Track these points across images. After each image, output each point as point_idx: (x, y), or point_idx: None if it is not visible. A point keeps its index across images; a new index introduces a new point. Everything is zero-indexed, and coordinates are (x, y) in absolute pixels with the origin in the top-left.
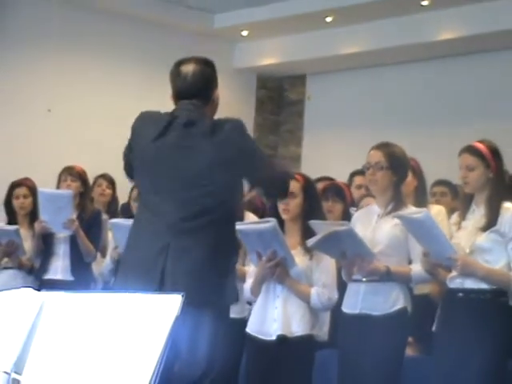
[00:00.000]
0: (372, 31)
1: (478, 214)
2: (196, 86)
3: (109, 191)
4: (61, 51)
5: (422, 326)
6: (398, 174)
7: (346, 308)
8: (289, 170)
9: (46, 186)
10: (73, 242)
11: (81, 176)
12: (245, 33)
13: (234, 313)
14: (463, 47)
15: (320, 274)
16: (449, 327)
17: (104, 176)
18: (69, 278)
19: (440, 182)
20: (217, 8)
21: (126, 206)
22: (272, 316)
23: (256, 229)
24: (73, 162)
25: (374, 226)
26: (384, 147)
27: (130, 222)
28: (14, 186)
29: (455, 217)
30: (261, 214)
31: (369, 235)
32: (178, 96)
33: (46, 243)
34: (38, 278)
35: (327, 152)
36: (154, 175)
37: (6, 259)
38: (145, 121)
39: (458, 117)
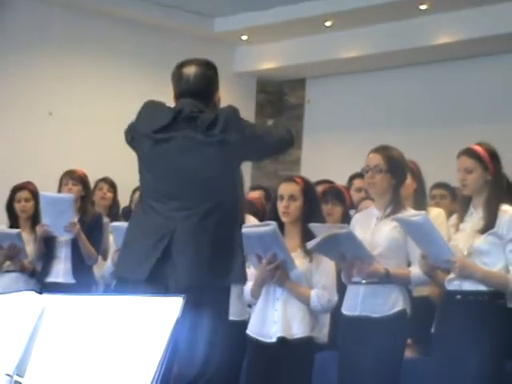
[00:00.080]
0: (371, 35)
1: (476, 216)
2: (198, 88)
3: (110, 195)
4: (62, 55)
5: (421, 327)
6: (397, 176)
7: (346, 310)
8: (286, 128)
9: (48, 190)
10: (74, 245)
11: (82, 180)
12: (245, 37)
13: (235, 315)
14: (462, 51)
15: (320, 276)
16: (447, 329)
17: (105, 179)
18: (70, 280)
19: (439, 185)
20: (217, 12)
21: (127, 209)
22: (272, 318)
23: (256, 232)
24: (74, 166)
25: (373, 229)
26: (383, 150)
27: None
28: (16, 189)
29: (454, 219)
30: (261, 216)
31: (368, 238)
32: (180, 98)
33: (47, 246)
34: (40, 281)
35: (327, 155)
36: (157, 170)
37: (8, 262)
38: (150, 111)
39: (457, 120)
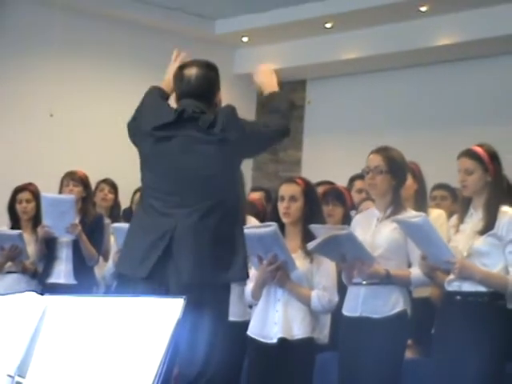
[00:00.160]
0: (371, 37)
1: (475, 217)
2: (199, 89)
3: (111, 196)
4: (62, 58)
5: (421, 328)
6: (397, 177)
7: (347, 311)
8: (282, 122)
9: (49, 191)
10: (75, 246)
11: (83, 181)
12: (245, 39)
13: (236, 316)
14: (462, 53)
15: (320, 277)
16: (447, 330)
17: (106, 181)
18: (71, 281)
19: (440, 186)
20: (217, 14)
21: (128, 210)
22: (273, 319)
23: (257, 233)
24: (75, 167)
25: (374, 230)
26: (383, 151)
27: None
28: (18, 190)
29: (454, 219)
30: (261, 217)
31: (368, 239)
32: (182, 99)
33: (48, 247)
34: (41, 282)
35: (327, 156)
36: (158, 167)
37: (9, 263)
38: (153, 108)
39: (457, 122)
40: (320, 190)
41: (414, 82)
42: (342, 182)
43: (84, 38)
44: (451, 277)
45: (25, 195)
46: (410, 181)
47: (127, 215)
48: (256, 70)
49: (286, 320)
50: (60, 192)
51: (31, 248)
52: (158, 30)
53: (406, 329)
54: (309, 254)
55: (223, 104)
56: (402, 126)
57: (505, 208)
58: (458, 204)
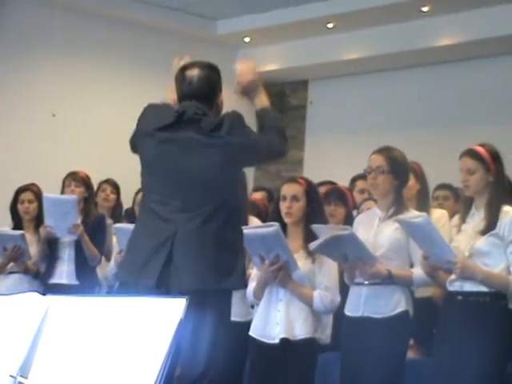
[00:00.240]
0: (373, 37)
1: (477, 217)
2: (201, 90)
3: (113, 196)
4: (63, 58)
5: (423, 328)
6: (399, 177)
7: (349, 311)
8: (282, 135)
9: (51, 192)
10: (77, 246)
11: (85, 181)
12: (247, 39)
13: (238, 316)
14: (463, 53)
15: (322, 277)
16: (448, 330)
17: (108, 181)
18: (74, 282)
19: (443, 186)
20: (219, 15)
21: (130, 210)
22: (275, 319)
23: (259, 233)
24: (77, 168)
25: (376, 230)
26: (385, 151)
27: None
28: (20, 191)
29: (455, 219)
30: (263, 217)
31: (371, 239)
32: (183, 100)
33: (50, 248)
34: (44, 283)
35: (329, 156)
36: (160, 171)
37: (11, 264)
38: (149, 116)
39: (458, 122)
40: (322, 190)
41: (415, 82)
42: (343, 182)
43: (84, 38)
44: (453, 277)
45: (27, 195)
46: (412, 181)
47: (129, 215)
48: (239, 61)
49: (288, 320)
50: (62, 192)
51: (33, 248)
52: (159, 30)
53: (407, 329)
54: (311, 254)
55: (225, 103)
56: (403, 126)
57: (507, 208)
58: (460, 204)
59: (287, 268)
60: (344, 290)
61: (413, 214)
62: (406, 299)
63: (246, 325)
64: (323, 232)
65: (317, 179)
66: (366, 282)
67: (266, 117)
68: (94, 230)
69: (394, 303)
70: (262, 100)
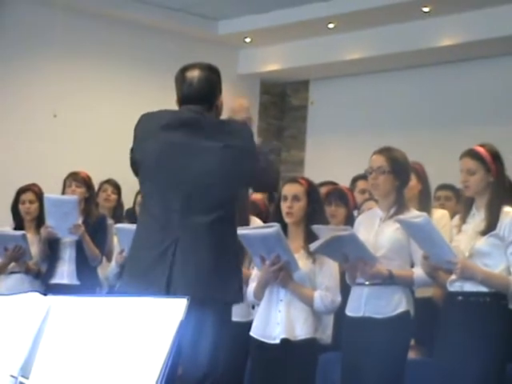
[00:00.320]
0: (374, 37)
1: (478, 217)
2: (201, 92)
3: (114, 196)
4: (63, 58)
5: (424, 328)
6: (400, 178)
7: (350, 311)
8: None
9: (52, 192)
10: (78, 246)
11: (85, 181)
12: (248, 39)
13: (239, 316)
14: (464, 53)
15: (323, 277)
16: (448, 330)
17: (109, 181)
18: (75, 282)
19: (444, 186)
20: (220, 15)
21: (131, 210)
22: (275, 320)
23: (260, 233)
24: (78, 168)
25: (377, 230)
26: (386, 152)
27: (134, 226)
28: (21, 191)
29: (456, 220)
30: (264, 217)
31: (371, 239)
32: (183, 101)
33: (51, 248)
34: (45, 283)
35: (330, 157)
36: (160, 174)
37: (13, 264)
38: (147, 122)
39: (459, 122)
40: (323, 190)
41: (416, 82)
42: (344, 183)
43: (84, 38)
44: (453, 277)
45: (28, 196)
46: (414, 181)
47: (130, 215)
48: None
49: (289, 320)
50: (63, 193)
51: (34, 248)
52: (160, 30)
53: (408, 329)
54: (311, 254)
55: (226, 104)
56: (404, 127)
57: (507, 208)
58: (461, 204)
59: (288, 268)
60: (345, 290)
61: (413, 214)
62: (406, 299)
63: (247, 325)
64: (324, 233)
65: (318, 179)
66: (367, 283)
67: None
68: (95, 230)
69: (394, 303)
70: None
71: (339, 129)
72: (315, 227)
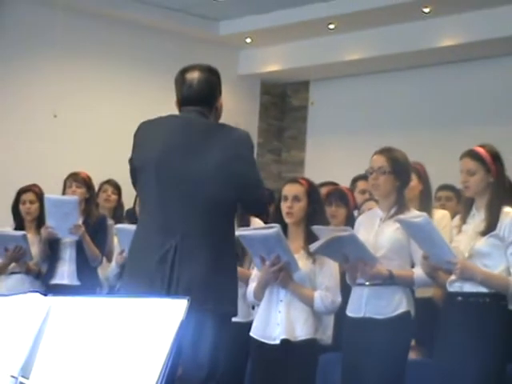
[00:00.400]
0: (374, 38)
1: (478, 218)
2: (201, 94)
3: (114, 197)
4: (63, 58)
5: (424, 329)
6: (401, 178)
7: (350, 312)
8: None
9: (52, 192)
10: (79, 247)
11: (86, 182)
12: (249, 40)
13: (240, 317)
14: (464, 54)
15: (323, 277)
16: (448, 331)
17: (109, 182)
18: (75, 282)
19: (445, 187)
20: (221, 16)
21: (132, 211)
22: (275, 320)
23: (260, 234)
24: (78, 168)
25: (377, 230)
26: (387, 152)
27: (135, 227)
28: (21, 191)
29: (456, 220)
30: (264, 217)
31: (371, 239)
32: (183, 103)
33: (52, 248)
34: (45, 283)
35: (330, 157)
36: (160, 176)
37: (13, 264)
38: (146, 129)
39: (459, 122)
40: (323, 190)
41: (416, 82)
42: (344, 183)
43: (84, 38)
44: (453, 277)
45: (28, 196)
46: (414, 181)
47: (130, 216)
48: None
49: (289, 321)
50: (63, 193)
51: (35, 249)
52: (160, 30)
53: (409, 329)
54: (311, 255)
55: (227, 104)
56: (404, 127)
57: (507, 209)
58: (461, 204)
59: (288, 269)
60: (345, 291)
61: (413, 214)
62: (407, 300)
63: (247, 325)
64: (324, 233)
65: (318, 180)
66: (367, 283)
67: None
68: (96, 230)
69: (395, 304)
70: None
71: (339, 129)
72: (315, 228)
